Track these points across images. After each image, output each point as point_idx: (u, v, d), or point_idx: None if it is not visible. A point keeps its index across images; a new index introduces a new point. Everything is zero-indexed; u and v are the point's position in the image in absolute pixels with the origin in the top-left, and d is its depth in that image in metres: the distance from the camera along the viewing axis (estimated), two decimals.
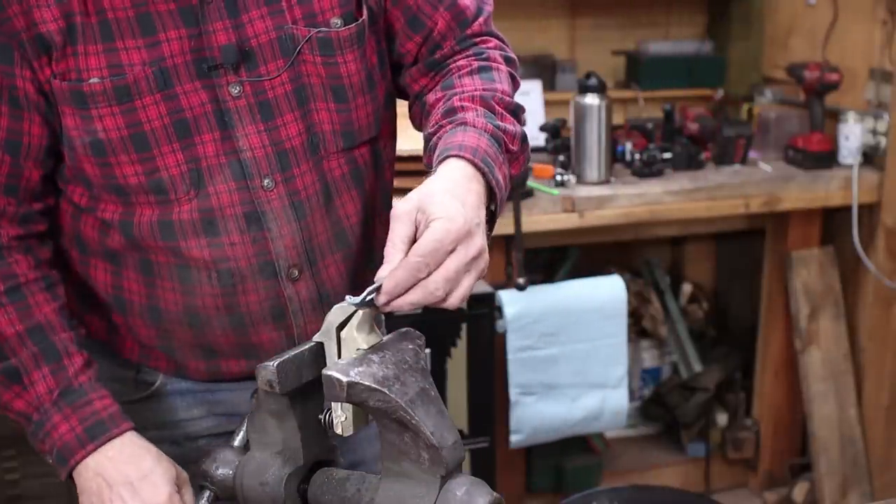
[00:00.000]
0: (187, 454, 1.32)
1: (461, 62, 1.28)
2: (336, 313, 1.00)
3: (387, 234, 1.08)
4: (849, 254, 2.98)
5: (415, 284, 1.02)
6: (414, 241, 1.04)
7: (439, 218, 1.04)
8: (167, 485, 1.16)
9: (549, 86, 3.15)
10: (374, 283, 1.01)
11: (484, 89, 1.24)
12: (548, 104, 3.09)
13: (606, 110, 2.72)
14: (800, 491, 3.06)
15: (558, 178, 2.70)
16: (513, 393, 2.63)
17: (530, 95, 3.06)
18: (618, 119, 2.98)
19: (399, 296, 1.02)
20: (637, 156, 2.81)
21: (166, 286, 1.23)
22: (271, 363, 0.99)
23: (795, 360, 3.02)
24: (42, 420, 1.19)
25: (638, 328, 3.27)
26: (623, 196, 2.69)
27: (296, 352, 1.01)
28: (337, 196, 1.26)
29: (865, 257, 2.91)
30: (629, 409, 2.86)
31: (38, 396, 1.18)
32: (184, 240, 1.19)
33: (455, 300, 1.05)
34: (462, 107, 1.21)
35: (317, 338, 1.02)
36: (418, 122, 1.34)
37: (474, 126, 1.18)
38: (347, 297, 0.99)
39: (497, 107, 1.23)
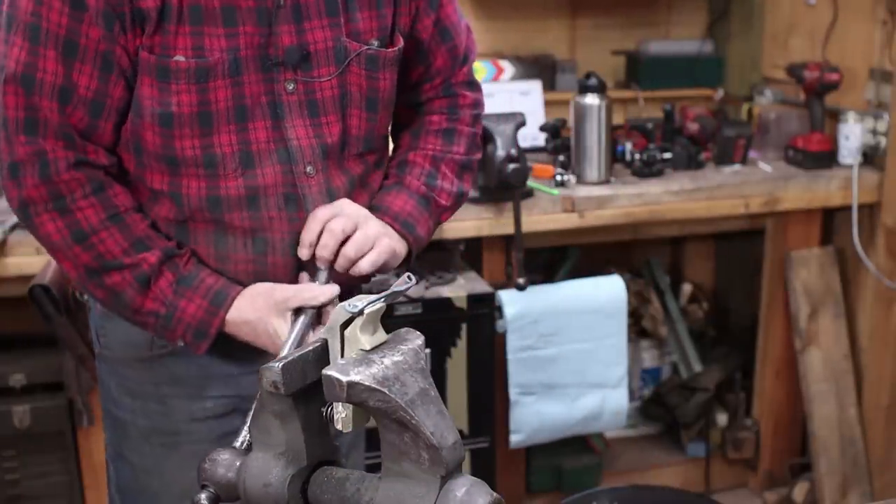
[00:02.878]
0: (194, 412, 1.46)
1: (434, 118, 1.54)
2: (340, 312, 1.00)
3: None
4: (849, 254, 2.98)
5: None
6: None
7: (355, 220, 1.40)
8: (273, 324, 1.34)
9: (549, 86, 3.16)
10: (373, 292, 1.02)
11: (439, 150, 1.52)
12: (548, 104, 3.09)
13: (606, 110, 2.72)
14: (800, 491, 3.06)
15: (558, 178, 2.70)
16: (513, 393, 2.63)
17: (530, 95, 3.06)
18: (618, 119, 2.98)
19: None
20: (637, 156, 2.81)
21: (201, 251, 1.38)
22: (276, 364, 0.99)
23: (795, 360, 3.02)
24: (171, 311, 1.35)
25: (638, 328, 3.27)
26: (623, 196, 2.69)
27: (300, 353, 1.01)
28: (353, 190, 1.45)
29: (865, 257, 2.91)
30: (629, 409, 2.86)
31: (162, 291, 1.34)
32: (228, 212, 1.35)
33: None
34: (413, 161, 1.51)
35: (321, 335, 1.03)
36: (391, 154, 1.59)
37: (409, 188, 1.48)
38: (347, 302, 1.00)
39: (443, 167, 1.52)
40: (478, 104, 1.59)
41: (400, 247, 1.45)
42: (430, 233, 1.52)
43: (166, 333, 1.37)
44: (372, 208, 1.45)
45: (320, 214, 1.36)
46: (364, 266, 1.39)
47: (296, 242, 1.39)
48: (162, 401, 1.46)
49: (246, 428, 1.13)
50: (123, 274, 1.32)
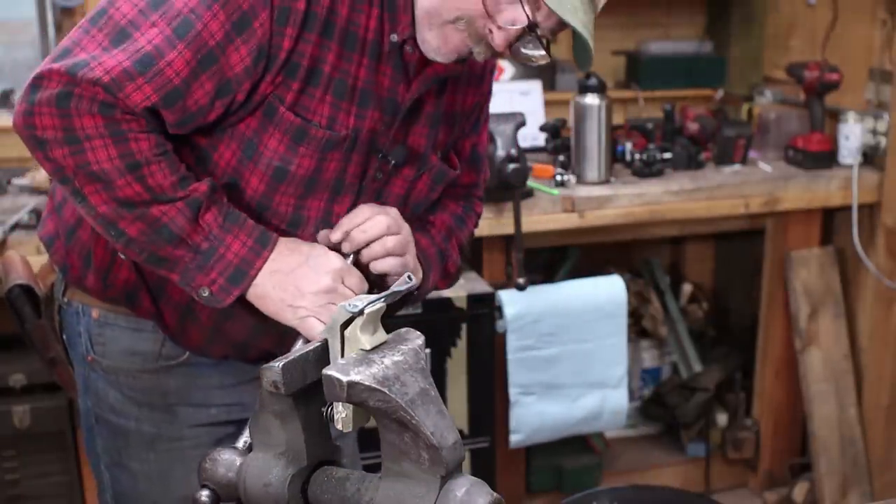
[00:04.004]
0: (199, 417, 1.46)
1: (450, 204, 1.57)
2: (341, 312, 1.00)
3: None
4: (849, 254, 2.98)
5: None
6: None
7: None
8: (330, 254, 1.30)
9: (549, 86, 3.16)
10: (374, 292, 1.02)
11: (453, 225, 1.56)
12: (548, 104, 3.09)
13: (606, 110, 2.72)
14: (800, 491, 3.06)
15: (558, 178, 2.70)
16: (513, 393, 2.63)
17: (530, 95, 3.06)
18: (618, 119, 2.98)
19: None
20: (637, 156, 2.81)
21: None
22: (276, 364, 0.99)
23: (795, 360, 3.02)
24: (213, 245, 1.27)
25: (638, 328, 3.27)
26: (623, 196, 2.69)
27: (300, 352, 1.01)
28: None
29: (865, 257, 2.91)
30: (629, 409, 2.86)
31: (208, 224, 1.26)
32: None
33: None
34: (433, 223, 1.52)
35: (322, 334, 1.03)
36: None
37: (431, 236, 1.50)
38: (348, 302, 1.00)
39: (453, 238, 1.55)
40: (480, 215, 1.67)
41: (416, 274, 1.43)
42: (431, 289, 1.52)
43: (197, 276, 1.27)
44: None
45: (368, 209, 1.35)
46: (389, 264, 1.35)
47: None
48: (170, 409, 1.46)
49: (247, 428, 1.13)
50: (176, 204, 1.25)
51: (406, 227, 1.38)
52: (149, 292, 1.40)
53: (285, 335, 1.30)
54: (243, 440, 1.12)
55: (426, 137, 1.40)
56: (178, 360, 1.43)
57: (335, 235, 1.34)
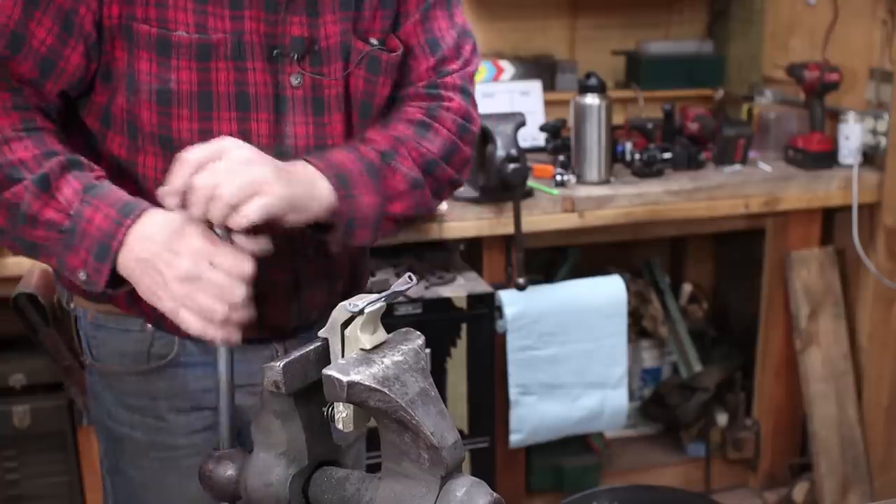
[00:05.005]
0: (193, 423, 1.40)
1: (409, 109, 1.36)
2: (341, 311, 1.00)
3: None
4: (849, 254, 2.98)
5: None
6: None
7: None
8: (197, 231, 1.16)
9: (549, 86, 3.16)
10: (373, 291, 1.02)
11: (404, 135, 1.33)
12: (548, 104, 3.09)
13: (606, 110, 2.72)
14: (800, 491, 3.06)
15: (558, 178, 2.70)
16: (513, 393, 2.63)
17: (530, 95, 3.06)
18: (618, 119, 2.98)
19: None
20: (637, 156, 2.81)
21: None
22: (277, 364, 0.99)
23: (795, 360, 3.02)
24: (74, 223, 1.18)
25: (638, 328, 3.27)
26: (623, 196, 2.69)
27: (301, 352, 1.01)
28: None
29: (865, 257, 2.91)
30: (629, 409, 2.86)
31: (67, 199, 1.19)
32: None
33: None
34: (370, 138, 1.31)
35: (322, 333, 1.03)
36: None
37: (357, 151, 1.28)
38: (348, 301, 1.00)
39: (403, 150, 1.31)
40: (469, 117, 1.39)
41: (319, 195, 1.21)
42: (375, 208, 1.28)
43: (69, 258, 1.19)
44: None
45: (193, 156, 1.14)
46: (246, 214, 1.13)
47: (288, 242, 1.27)
48: (160, 416, 1.40)
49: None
50: (23, 182, 1.18)
51: (242, 158, 1.15)
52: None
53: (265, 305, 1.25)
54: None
55: (338, 23, 1.28)
56: (168, 358, 1.38)
57: (169, 200, 1.15)
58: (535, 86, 3.08)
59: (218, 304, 1.14)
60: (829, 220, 3.01)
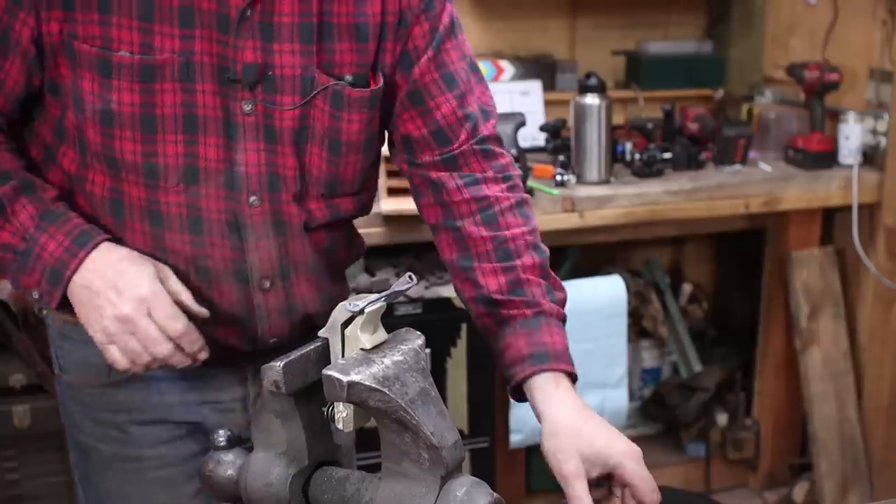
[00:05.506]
0: (159, 434, 1.38)
1: (494, 187, 1.32)
2: (341, 311, 1.00)
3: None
4: (849, 254, 2.98)
5: None
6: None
7: (627, 458, 1.24)
8: (147, 278, 1.20)
9: (549, 86, 3.16)
10: (373, 292, 1.02)
11: (531, 240, 1.33)
12: (548, 104, 3.09)
13: (606, 110, 2.72)
14: (800, 491, 3.06)
15: (558, 178, 2.70)
16: None
17: (530, 95, 3.06)
18: (618, 119, 2.97)
19: None
20: (637, 156, 2.81)
21: None
22: (277, 363, 0.98)
23: (795, 360, 3.02)
24: (29, 247, 1.21)
25: (638, 328, 3.27)
26: (623, 196, 2.69)
27: (301, 352, 1.01)
28: (317, 231, 1.33)
29: (865, 257, 2.91)
30: (629, 409, 2.86)
31: (22, 224, 1.21)
32: (168, 231, 1.25)
33: None
34: (527, 280, 1.31)
35: (322, 333, 1.03)
36: (437, 227, 1.37)
37: (550, 315, 1.34)
38: (348, 301, 1.00)
39: (552, 276, 1.35)
40: (523, 179, 1.44)
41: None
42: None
43: (23, 278, 1.22)
44: (531, 357, 1.33)
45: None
46: None
47: (240, 275, 1.28)
48: (121, 428, 1.38)
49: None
50: None
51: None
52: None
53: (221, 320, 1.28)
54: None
55: (297, 55, 1.22)
56: (130, 372, 1.31)
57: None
58: (535, 86, 3.08)
59: (144, 352, 1.20)
60: (829, 220, 3.01)
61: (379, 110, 1.30)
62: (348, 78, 1.25)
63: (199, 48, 1.18)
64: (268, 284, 1.31)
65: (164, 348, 1.20)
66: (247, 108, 1.22)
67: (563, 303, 1.38)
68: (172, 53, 1.17)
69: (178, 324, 1.20)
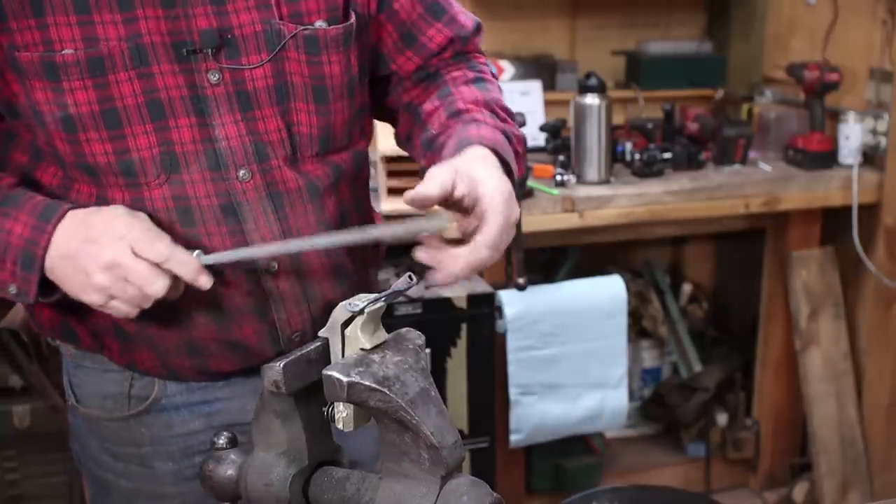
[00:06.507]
0: (182, 471, 1.32)
1: (455, 73, 1.31)
2: (341, 311, 1.00)
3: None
4: (849, 254, 2.98)
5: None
6: (448, 192, 1.10)
7: (486, 182, 1.11)
8: (119, 217, 1.12)
9: (549, 86, 3.16)
10: (372, 291, 1.02)
11: (483, 96, 1.27)
12: (548, 104, 3.09)
13: (606, 110, 2.72)
14: (800, 491, 3.06)
15: (558, 178, 2.70)
16: (513, 393, 2.63)
17: (530, 95, 3.06)
18: (618, 119, 2.98)
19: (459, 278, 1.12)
20: (637, 156, 2.81)
21: None
22: (277, 363, 0.98)
23: (795, 360, 3.02)
24: None
25: (638, 328, 3.27)
26: (623, 196, 2.69)
27: (301, 352, 1.01)
28: (323, 196, 1.25)
29: (865, 257, 2.91)
30: (629, 409, 2.86)
31: None
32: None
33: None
34: (467, 109, 1.23)
35: (322, 333, 1.03)
36: (407, 131, 1.35)
37: (486, 123, 1.21)
38: (348, 301, 1.00)
39: (499, 111, 1.26)
40: (488, 64, 1.38)
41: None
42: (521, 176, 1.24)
43: None
44: (459, 145, 1.17)
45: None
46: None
47: (253, 267, 1.20)
48: (145, 463, 1.32)
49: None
50: None
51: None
52: (80, 321, 1.28)
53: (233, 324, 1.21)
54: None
55: (255, 10, 1.16)
56: (150, 400, 1.29)
57: (439, 279, 1.13)
58: (535, 86, 3.08)
59: (143, 297, 1.12)
60: (829, 220, 3.01)
61: (357, 52, 1.24)
62: (321, 24, 1.19)
63: (146, 28, 1.11)
64: (276, 266, 1.22)
65: (159, 285, 1.11)
66: (213, 78, 1.15)
67: (504, 129, 1.24)
68: (119, 41, 1.10)
69: (161, 245, 1.11)
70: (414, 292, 2.42)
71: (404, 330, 1.04)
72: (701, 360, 3.31)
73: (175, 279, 1.13)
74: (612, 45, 3.32)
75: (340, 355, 1.01)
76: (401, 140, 1.39)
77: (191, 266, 1.13)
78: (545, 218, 2.62)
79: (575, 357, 2.69)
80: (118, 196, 1.17)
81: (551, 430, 2.72)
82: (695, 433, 3.21)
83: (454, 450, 0.94)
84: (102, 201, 1.17)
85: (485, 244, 1.12)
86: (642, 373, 3.35)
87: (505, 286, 2.62)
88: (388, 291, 1.00)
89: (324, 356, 1.02)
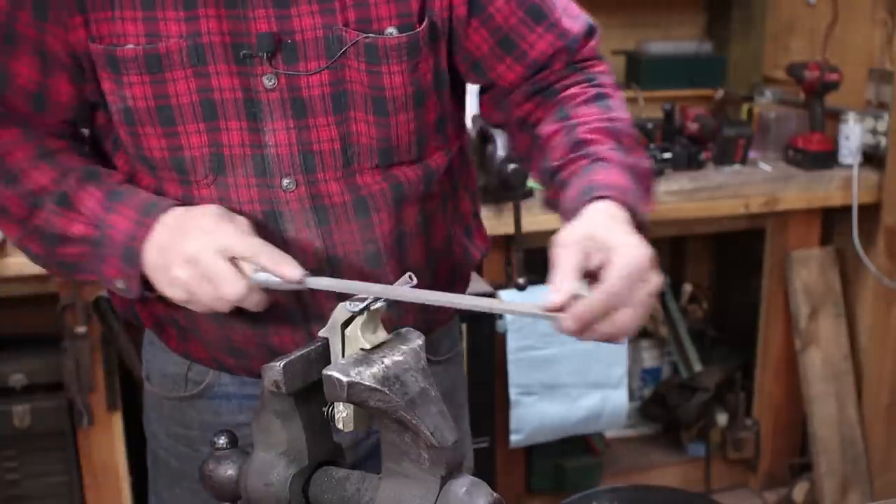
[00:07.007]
0: None
1: (573, 90, 1.22)
2: (341, 311, 1.00)
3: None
4: (849, 254, 2.98)
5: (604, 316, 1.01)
6: (584, 270, 1.02)
7: (623, 246, 1.02)
8: (211, 215, 1.12)
9: None
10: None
11: (606, 119, 1.18)
12: None
13: None
14: (800, 491, 3.06)
15: None
16: (513, 393, 2.63)
17: None
18: None
19: (588, 325, 1.01)
20: None
21: None
22: (277, 363, 0.98)
23: (795, 360, 3.02)
24: (101, 232, 1.15)
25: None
26: None
27: (301, 352, 1.01)
28: (374, 212, 1.21)
29: (865, 257, 2.91)
30: (629, 409, 2.86)
31: (91, 210, 1.15)
32: None
33: (630, 333, 1.06)
34: (590, 140, 1.15)
35: (322, 333, 1.03)
36: (524, 149, 1.29)
37: (613, 161, 1.12)
38: (348, 301, 1.00)
39: (624, 140, 1.17)
40: (610, 74, 1.28)
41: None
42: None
43: (105, 270, 1.16)
44: (583, 193, 1.08)
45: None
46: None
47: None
48: (192, 446, 1.33)
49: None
50: (48, 206, 1.17)
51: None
52: (143, 306, 1.29)
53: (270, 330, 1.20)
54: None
55: (318, 14, 1.13)
56: (204, 385, 1.31)
57: (569, 326, 1.01)
58: None
59: (218, 299, 1.10)
60: (829, 220, 3.01)
61: (430, 61, 1.18)
62: (392, 31, 1.14)
63: (207, 28, 1.11)
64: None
65: (235, 288, 1.09)
66: (269, 83, 1.13)
67: (631, 164, 1.14)
68: (179, 38, 1.10)
69: (254, 242, 1.10)
70: None
71: (404, 330, 1.04)
72: (701, 360, 3.31)
73: (262, 291, 1.12)
74: (612, 44, 3.32)
75: (340, 355, 1.01)
76: (520, 155, 1.34)
77: (284, 273, 1.10)
78: (545, 218, 2.61)
79: (575, 357, 2.69)
80: (172, 191, 1.18)
81: (551, 430, 2.72)
82: (695, 433, 3.21)
83: (454, 450, 0.94)
84: (160, 194, 1.18)
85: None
86: (642, 373, 3.35)
87: (505, 286, 2.62)
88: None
89: (324, 356, 1.02)
